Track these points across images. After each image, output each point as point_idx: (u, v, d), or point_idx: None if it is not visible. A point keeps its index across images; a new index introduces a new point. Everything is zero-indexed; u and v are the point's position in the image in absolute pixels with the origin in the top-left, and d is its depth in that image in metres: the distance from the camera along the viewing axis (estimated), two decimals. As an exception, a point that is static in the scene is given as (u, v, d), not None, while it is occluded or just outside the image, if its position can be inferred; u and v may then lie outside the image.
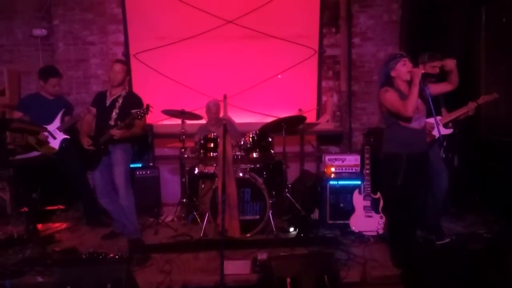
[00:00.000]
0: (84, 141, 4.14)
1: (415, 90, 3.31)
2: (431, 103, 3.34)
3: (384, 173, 3.69)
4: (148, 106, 4.04)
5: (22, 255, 3.86)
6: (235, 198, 4.21)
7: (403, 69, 3.45)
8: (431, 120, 3.80)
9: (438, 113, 4.19)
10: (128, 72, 4.32)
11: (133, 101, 4.20)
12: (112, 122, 4.10)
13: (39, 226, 4.69)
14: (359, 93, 6.29)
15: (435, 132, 4.07)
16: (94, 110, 4.30)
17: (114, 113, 4.12)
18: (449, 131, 4.26)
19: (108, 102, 4.19)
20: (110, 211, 4.37)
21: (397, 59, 3.48)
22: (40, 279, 3.43)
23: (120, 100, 4.16)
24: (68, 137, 4.67)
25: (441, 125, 4.15)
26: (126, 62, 4.46)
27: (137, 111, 4.00)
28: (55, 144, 4.60)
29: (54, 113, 4.66)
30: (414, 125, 3.48)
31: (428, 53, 4.13)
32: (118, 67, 4.18)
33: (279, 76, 6.22)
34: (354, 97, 6.28)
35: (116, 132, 3.98)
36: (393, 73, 3.50)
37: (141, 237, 4.36)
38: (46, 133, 4.53)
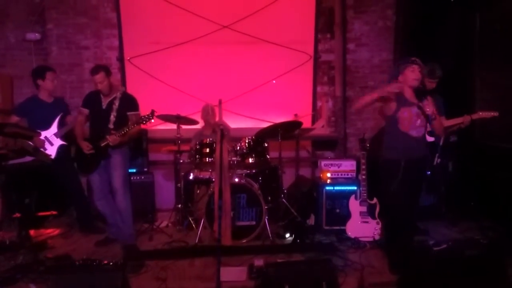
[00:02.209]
0: (84, 145, 4.11)
1: (375, 95, 3.48)
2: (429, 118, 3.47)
3: (382, 179, 3.72)
4: (153, 111, 4.03)
5: (14, 262, 3.82)
6: (229, 206, 4.18)
7: (410, 75, 3.52)
8: None
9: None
10: (109, 73, 4.17)
11: (129, 103, 4.19)
12: (111, 126, 4.07)
13: (32, 232, 4.62)
14: (354, 98, 6.25)
15: None
16: (86, 111, 4.26)
17: (112, 116, 4.10)
18: (431, 139, 4.33)
19: (104, 105, 4.15)
20: (106, 214, 4.33)
21: (407, 64, 3.55)
22: (33, 286, 3.38)
23: (117, 102, 4.13)
24: (65, 143, 4.62)
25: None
26: (100, 65, 4.24)
27: (142, 117, 4.00)
28: (52, 150, 4.53)
29: (51, 118, 4.60)
30: (413, 133, 3.55)
31: (430, 68, 4.20)
32: (98, 77, 4.06)
33: (274, 82, 6.21)
34: (349, 103, 6.27)
35: (114, 139, 3.97)
36: (400, 78, 3.58)
37: (136, 242, 4.31)
38: (43, 139, 4.47)
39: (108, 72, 4.16)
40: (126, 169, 4.31)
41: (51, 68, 4.72)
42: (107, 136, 4.00)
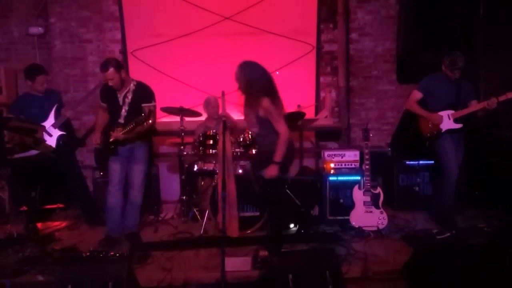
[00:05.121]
0: (94, 138, 4.12)
1: None
2: None
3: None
4: (150, 111, 3.97)
5: (22, 254, 3.86)
6: (235, 197, 4.19)
7: None
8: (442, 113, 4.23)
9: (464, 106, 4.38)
10: (120, 66, 3.98)
11: (143, 94, 4.09)
12: (122, 120, 4.04)
13: (39, 225, 4.68)
14: (357, 88, 6.27)
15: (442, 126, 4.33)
16: (104, 106, 4.21)
17: (123, 111, 4.05)
18: (458, 125, 4.38)
19: (120, 99, 4.07)
20: (112, 205, 4.24)
21: None
22: (40, 278, 3.43)
23: (130, 96, 4.05)
24: (64, 133, 4.63)
25: (451, 119, 4.34)
26: (109, 60, 4.00)
27: (140, 118, 3.89)
28: (51, 141, 4.55)
29: (47, 110, 4.60)
30: None
31: (451, 59, 4.24)
32: (109, 74, 3.88)
33: (277, 73, 6.18)
34: (352, 93, 6.26)
35: (117, 136, 3.96)
36: None
37: (137, 231, 4.37)
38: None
39: (119, 67, 3.94)
40: (147, 164, 4.30)
41: (43, 70, 4.64)
42: (111, 132, 3.98)
